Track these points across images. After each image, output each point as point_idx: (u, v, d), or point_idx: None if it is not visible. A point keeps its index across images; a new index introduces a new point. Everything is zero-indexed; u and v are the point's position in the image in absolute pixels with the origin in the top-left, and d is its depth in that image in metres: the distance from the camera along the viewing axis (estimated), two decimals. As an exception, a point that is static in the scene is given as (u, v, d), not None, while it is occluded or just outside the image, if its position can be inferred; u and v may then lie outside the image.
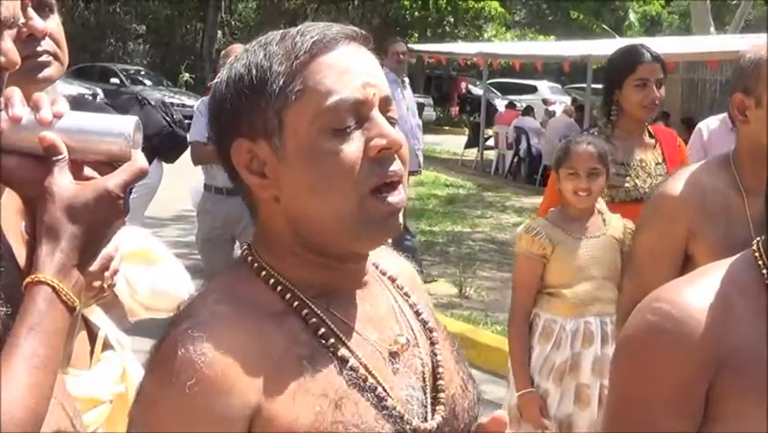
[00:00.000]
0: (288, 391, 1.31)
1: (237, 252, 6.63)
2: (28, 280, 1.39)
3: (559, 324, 3.92)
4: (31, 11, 1.81)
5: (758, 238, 1.73)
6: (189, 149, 6.50)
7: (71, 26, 7.16)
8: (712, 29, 18.09)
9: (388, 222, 1.38)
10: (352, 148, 1.34)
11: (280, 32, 1.42)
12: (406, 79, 9.45)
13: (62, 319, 1.39)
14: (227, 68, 1.42)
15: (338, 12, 39.87)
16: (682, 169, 2.97)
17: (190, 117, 7.04)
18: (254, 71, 1.38)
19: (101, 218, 1.44)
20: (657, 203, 2.95)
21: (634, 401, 1.66)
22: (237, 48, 6.56)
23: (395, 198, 1.37)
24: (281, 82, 1.36)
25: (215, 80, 1.44)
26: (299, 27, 1.41)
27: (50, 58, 1.91)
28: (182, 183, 7.69)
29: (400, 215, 1.39)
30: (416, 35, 36.09)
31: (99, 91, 25.66)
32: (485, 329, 7.86)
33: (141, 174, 1.47)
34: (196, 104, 6.54)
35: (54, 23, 1.94)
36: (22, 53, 1.75)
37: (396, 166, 1.38)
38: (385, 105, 1.40)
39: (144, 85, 29.57)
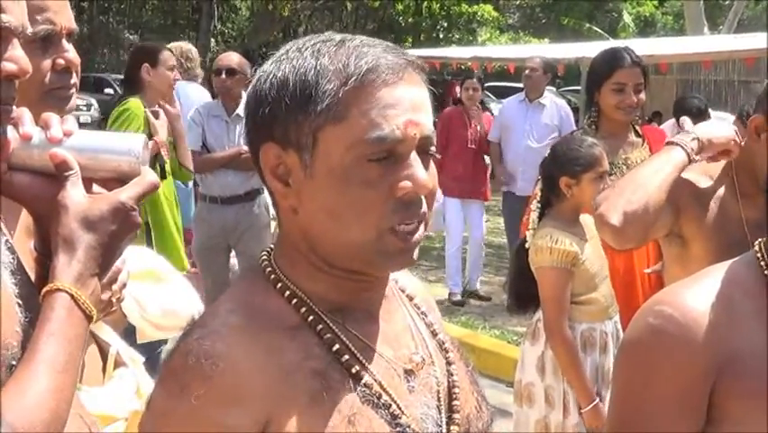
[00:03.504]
0: (301, 406, 1.29)
1: (233, 260, 6.67)
2: (46, 288, 1.43)
3: (597, 329, 3.92)
4: (66, 42, 1.83)
5: (760, 240, 1.73)
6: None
7: (64, 37, 7.19)
8: (706, 29, 18.11)
9: (403, 256, 1.37)
10: (382, 183, 1.33)
11: (338, 39, 1.38)
12: (544, 100, 8.88)
13: (80, 326, 1.44)
14: (274, 63, 1.39)
15: (332, 17, 39.90)
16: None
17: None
18: (300, 83, 1.34)
19: (116, 230, 1.48)
20: None
21: (638, 404, 1.66)
22: (228, 56, 6.56)
23: (414, 235, 1.36)
24: (325, 104, 1.33)
25: (258, 72, 1.41)
26: (357, 43, 1.37)
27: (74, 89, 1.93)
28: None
29: (416, 250, 1.38)
30: (410, 40, 36.13)
31: (94, 102, 25.68)
32: (483, 334, 7.87)
33: (153, 188, 1.52)
34: (190, 113, 6.52)
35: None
36: (56, 84, 1.80)
37: (421, 209, 1.37)
38: (425, 143, 1.37)
39: (139, 94, 29.52)
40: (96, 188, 1.52)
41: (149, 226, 5.37)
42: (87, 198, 1.47)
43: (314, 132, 1.33)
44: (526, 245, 4.02)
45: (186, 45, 7.81)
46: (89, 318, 1.46)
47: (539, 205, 4.03)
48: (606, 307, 3.94)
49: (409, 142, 1.34)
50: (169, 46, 6.71)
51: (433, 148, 1.39)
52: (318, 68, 1.34)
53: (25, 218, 1.60)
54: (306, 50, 1.37)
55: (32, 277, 1.55)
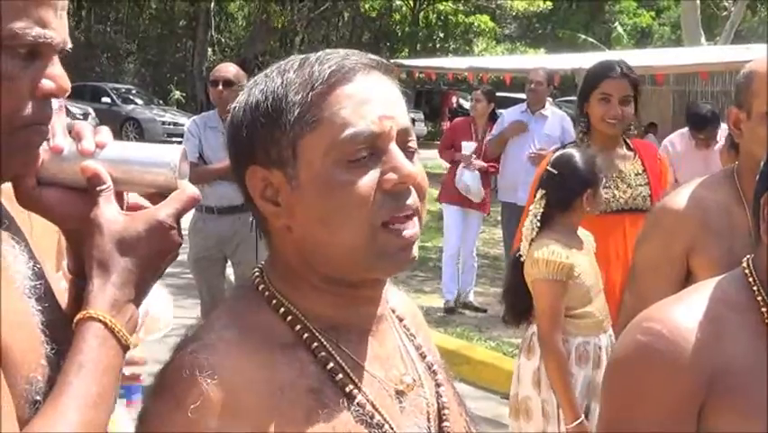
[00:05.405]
0: (297, 422, 1.30)
1: (229, 271, 6.66)
2: (79, 316, 1.34)
3: (591, 343, 3.89)
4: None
5: (747, 256, 1.74)
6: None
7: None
8: (703, 40, 18.14)
9: (401, 255, 1.36)
10: (366, 180, 1.32)
11: (300, 57, 1.40)
12: (546, 111, 8.82)
13: (115, 357, 1.34)
14: (245, 92, 1.40)
15: (329, 27, 39.93)
16: (686, 184, 2.95)
17: (182, 136, 7.05)
18: (270, 99, 1.36)
19: (154, 250, 1.40)
20: (657, 217, 2.96)
21: (627, 420, 1.67)
22: (225, 67, 6.57)
23: (408, 231, 1.35)
24: (296, 113, 1.34)
25: (234, 104, 1.41)
26: (319, 54, 1.39)
27: None
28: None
29: (414, 247, 1.37)
30: (407, 50, 36.18)
31: (91, 111, 25.70)
32: (479, 345, 7.85)
33: (193, 203, 1.45)
34: (187, 123, 6.53)
35: None
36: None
37: (411, 200, 1.36)
38: (404, 136, 1.37)
39: (136, 104, 29.52)
40: (136, 198, 1.45)
41: None
42: (123, 217, 1.38)
43: (292, 144, 1.34)
44: (521, 258, 3.99)
45: None
46: (125, 348, 1.35)
47: (539, 218, 3.97)
48: (600, 320, 3.92)
49: (386, 136, 1.34)
50: None
51: (412, 143, 1.39)
52: (285, 82, 1.36)
53: (51, 234, 1.51)
54: (271, 73, 1.40)
55: (65, 301, 1.46)
